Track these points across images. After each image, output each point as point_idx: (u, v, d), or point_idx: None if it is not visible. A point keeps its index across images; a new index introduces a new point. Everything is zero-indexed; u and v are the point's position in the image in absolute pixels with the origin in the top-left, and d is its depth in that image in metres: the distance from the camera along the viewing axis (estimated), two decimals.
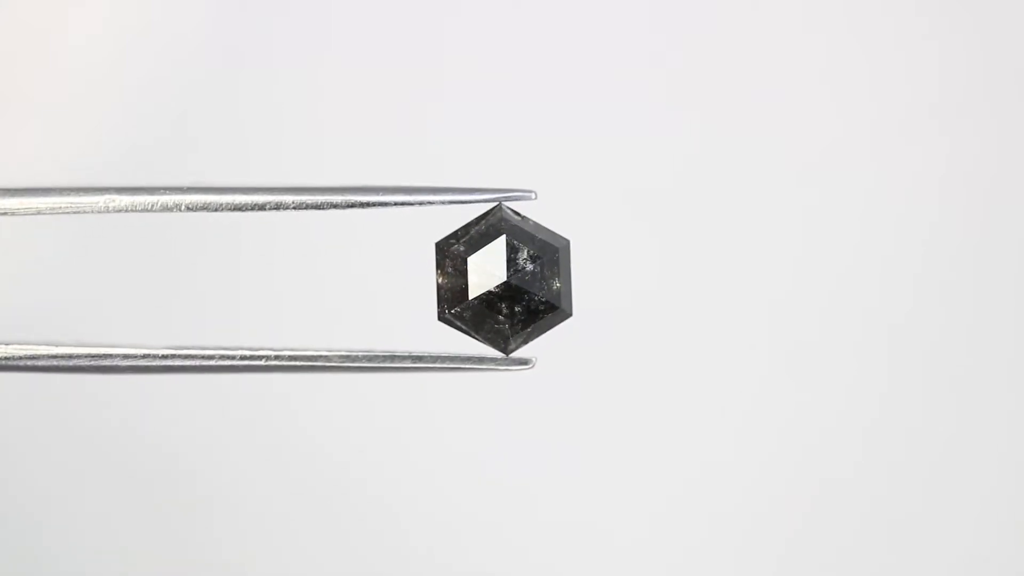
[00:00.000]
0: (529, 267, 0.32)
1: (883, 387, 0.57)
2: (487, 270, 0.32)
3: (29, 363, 0.32)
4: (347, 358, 0.32)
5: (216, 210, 0.35)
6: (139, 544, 0.55)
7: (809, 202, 0.58)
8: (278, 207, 0.35)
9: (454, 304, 0.32)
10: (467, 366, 0.32)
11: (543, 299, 0.32)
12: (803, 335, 0.57)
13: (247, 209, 0.35)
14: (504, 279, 0.32)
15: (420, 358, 0.32)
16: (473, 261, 0.32)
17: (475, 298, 0.32)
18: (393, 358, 0.32)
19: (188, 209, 0.35)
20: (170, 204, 0.35)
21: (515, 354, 0.32)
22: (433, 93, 0.57)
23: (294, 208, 0.35)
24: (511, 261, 0.32)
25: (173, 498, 0.55)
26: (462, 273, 0.32)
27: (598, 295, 0.54)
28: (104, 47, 0.57)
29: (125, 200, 0.35)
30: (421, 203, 0.34)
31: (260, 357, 0.32)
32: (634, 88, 0.58)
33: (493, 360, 0.32)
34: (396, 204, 0.34)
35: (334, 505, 0.55)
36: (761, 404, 0.57)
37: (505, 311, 0.32)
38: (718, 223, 0.57)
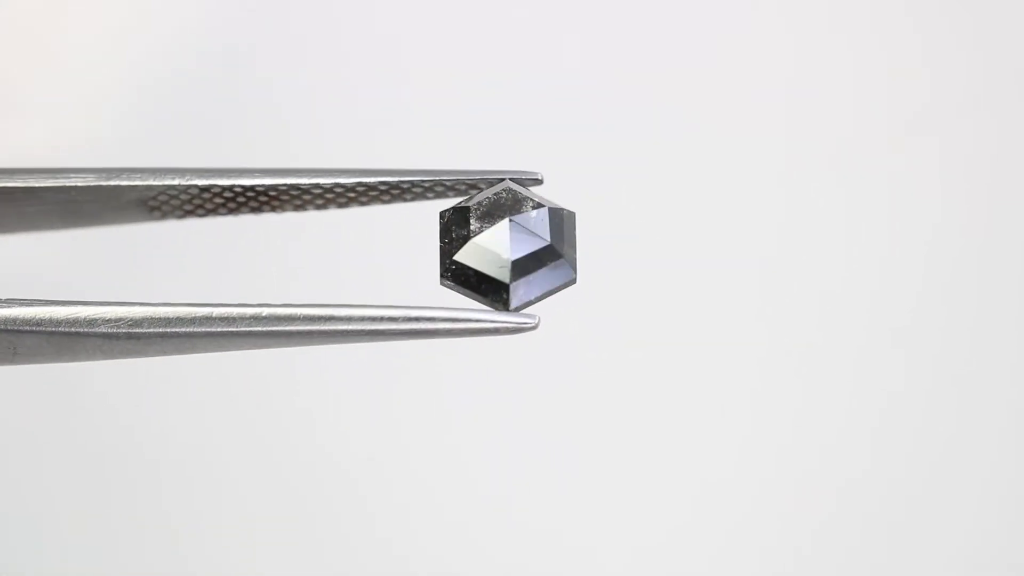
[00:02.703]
0: (533, 214, 0.31)
1: (889, 382, 0.57)
2: (490, 216, 0.31)
3: (37, 328, 0.32)
4: (347, 320, 0.32)
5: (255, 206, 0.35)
6: (123, 537, 0.55)
7: (810, 199, 0.58)
8: (292, 195, 0.35)
9: (456, 253, 0.31)
10: (470, 324, 0.31)
11: (545, 242, 0.31)
12: (802, 329, 0.57)
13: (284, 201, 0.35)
14: (506, 218, 0.31)
15: (418, 319, 0.32)
16: (475, 211, 0.31)
17: (476, 240, 0.31)
18: (393, 320, 0.32)
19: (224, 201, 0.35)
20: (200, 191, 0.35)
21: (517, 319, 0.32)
22: (437, 84, 0.57)
23: (304, 201, 0.35)
24: (514, 208, 0.31)
25: (162, 484, 0.55)
26: (464, 222, 0.31)
27: (603, 266, 0.54)
28: (104, 47, 0.57)
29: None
30: (428, 183, 0.34)
31: (254, 319, 0.32)
32: (642, 77, 0.58)
33: (496, 320, 0.32)
34: (401, 184, 0.34)
35: (334, 484, 0.55)
36: (760, 397, 0.56)
37: (506, 256, 0.31)
38: (718, 220, 0.57)
